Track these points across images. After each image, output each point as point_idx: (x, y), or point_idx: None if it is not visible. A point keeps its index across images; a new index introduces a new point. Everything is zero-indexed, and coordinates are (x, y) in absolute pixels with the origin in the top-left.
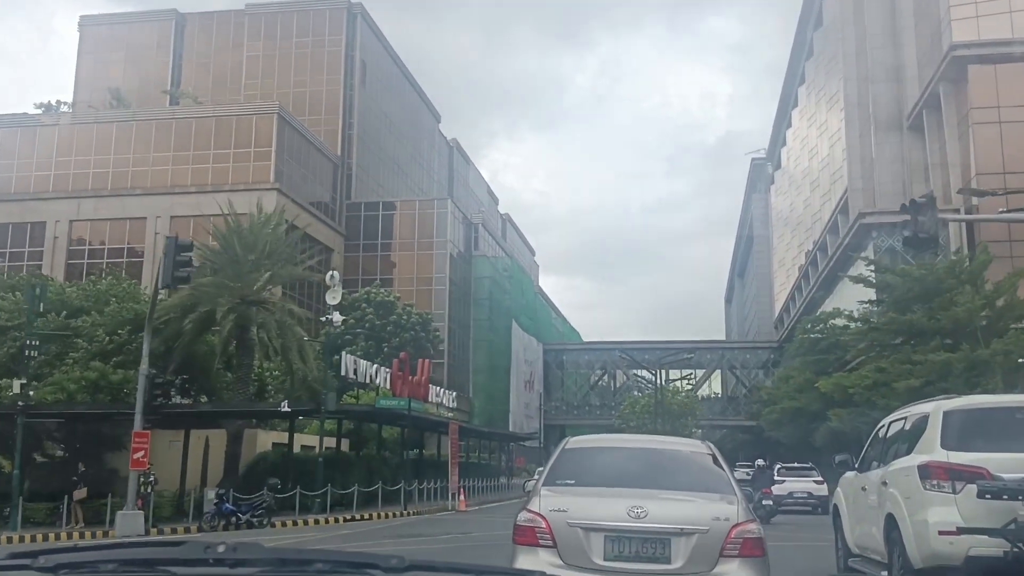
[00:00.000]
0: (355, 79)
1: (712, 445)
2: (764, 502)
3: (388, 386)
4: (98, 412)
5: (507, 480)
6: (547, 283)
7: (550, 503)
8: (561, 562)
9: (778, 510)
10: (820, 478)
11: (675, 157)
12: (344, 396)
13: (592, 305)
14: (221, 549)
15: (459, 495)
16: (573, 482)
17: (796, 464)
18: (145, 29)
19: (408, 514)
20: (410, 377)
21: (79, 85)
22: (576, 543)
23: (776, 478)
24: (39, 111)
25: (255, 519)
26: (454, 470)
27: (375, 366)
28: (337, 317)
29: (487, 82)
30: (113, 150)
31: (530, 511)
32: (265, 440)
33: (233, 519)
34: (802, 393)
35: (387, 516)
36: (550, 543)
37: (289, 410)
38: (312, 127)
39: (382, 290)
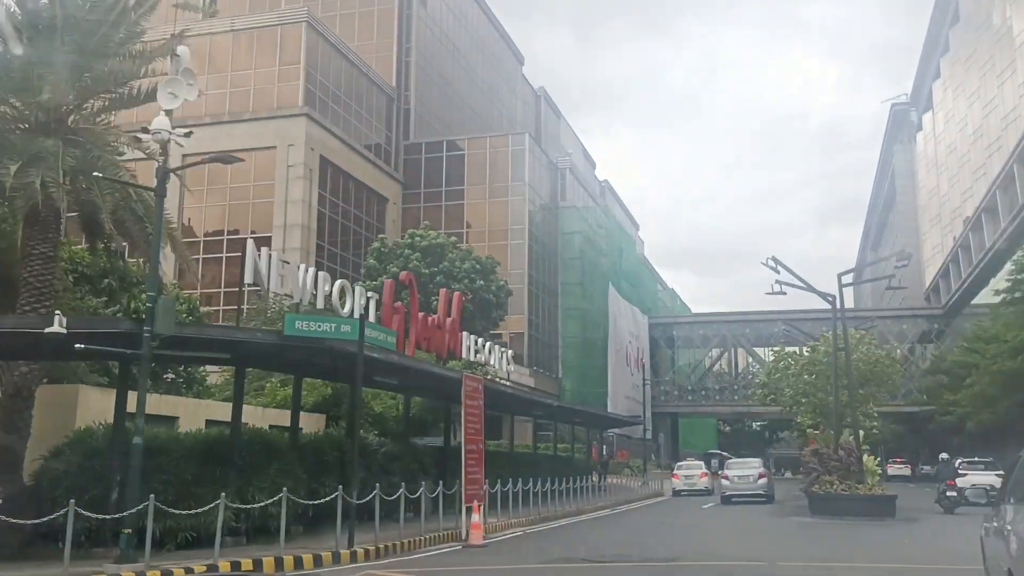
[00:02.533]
0: None
1: None
2: (948, 494)
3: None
4: None
5: (600, 479)
6: None
7: None
8: None
9: (962, 501)
10: (1002, 471)
11: (778, 147)
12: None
13: (697, 300)
14: None
15: (473, 513)
16: None
17: (976, 458)
18: None
19: (347, 557)
20: (423, 316)
21: None
22: None
23: (959, 472)
24: None
25: None
26: (470, 465)
27: (338, 282)
28: (161, 125)
29: (581, 79)
30: None
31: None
32: (106, 405)
33: None
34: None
35: (284, 566)
36: None
37: (63, 331)
38: (363, 55)
39: (430, 232)
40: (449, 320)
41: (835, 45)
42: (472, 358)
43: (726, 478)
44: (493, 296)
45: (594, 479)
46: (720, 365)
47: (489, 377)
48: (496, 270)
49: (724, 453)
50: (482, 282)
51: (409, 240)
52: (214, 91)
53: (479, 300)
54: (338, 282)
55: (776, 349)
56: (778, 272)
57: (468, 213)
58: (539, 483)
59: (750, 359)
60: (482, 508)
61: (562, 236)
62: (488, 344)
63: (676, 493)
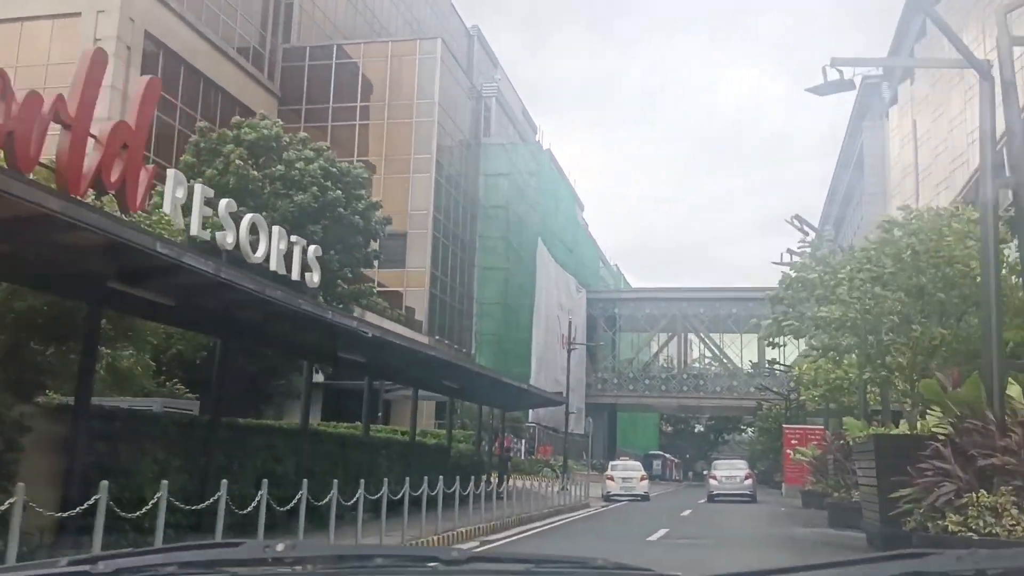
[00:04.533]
0: None
1: None
2: None
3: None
4: None
5: (502, 484)
6: None
7: None
8: None
9: None
10: None
11: (729, 155)
12: None
13: None
14: (280, 548)
15: None
16: None
17: None
18: None
19: None
20: None
21: None
22: None
23: None
24: None
25: None
26: None
27: None
28: None
29: (533, 81)
30: None
31: None
32: None
33: None
34: None
35: None
36: None
37: None
38: None
39: (264, 121)
40: (111, 126)
41: (784, 58)
42: (196, 233)
43: (714, 478)
44: (360, 219)
45: (493, 481)
46: (667, 354)
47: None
48: (365, 183)
49: (667, 455)
50: (339, 194)
51: (235, 133)
52: None
53: (337, 221)
54: None
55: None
56: None
57: (361, 137)
58: (367, 488)
59: (703, 346)
60: None
61: (484, 179)
62: (251, 217)
63: (608, 498)
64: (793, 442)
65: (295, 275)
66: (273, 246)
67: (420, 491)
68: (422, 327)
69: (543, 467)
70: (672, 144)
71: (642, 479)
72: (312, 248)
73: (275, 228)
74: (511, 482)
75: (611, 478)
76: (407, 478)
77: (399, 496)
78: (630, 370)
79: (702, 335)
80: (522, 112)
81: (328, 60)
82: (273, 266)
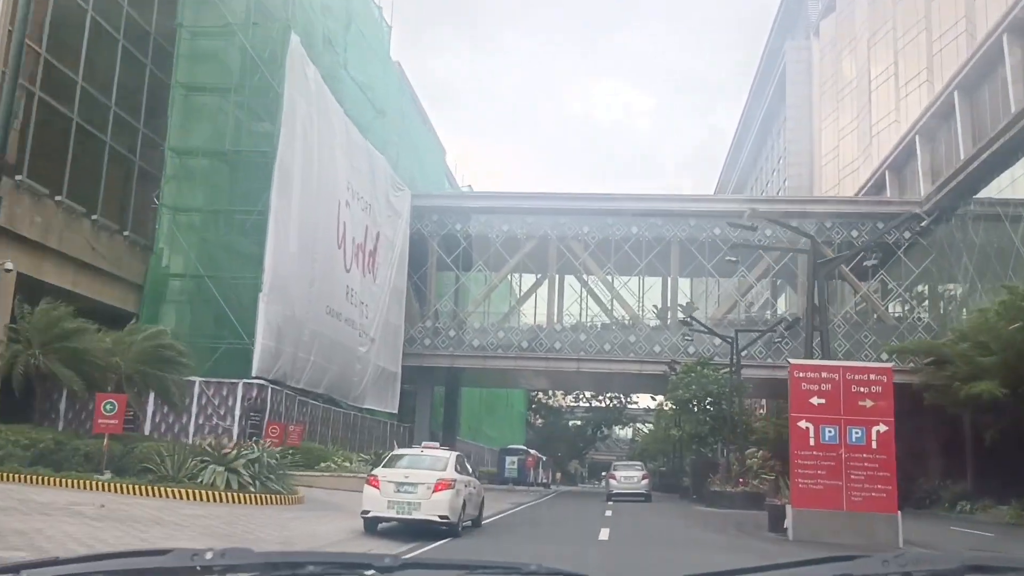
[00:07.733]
0: None
1: None
2: None
3: None
4: None
5: None
6: None
7: None
8: None
9: None
10: None
11: (598, 166)
12: None
13: None
14: (209, 556)
15: None
16: None
17: None
18: None
19: None
20: None
21: None
22: None
23: None
24: None
25: None
26: None
27: None
28: None
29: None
30: None
31: None
32: None
33: None
34: None
35: None
36: None
37: None
38: None
39: None
40: None
41: (645, 74)
42: None
43: (613, 478)
44: None
45: None
46: (534, 306)
47: None
48: None
49: (532, 451)
50: None
51: None
52: None
53: None
54: None
55: None
56: None
57: None
58: None
59: (585, 286)
60: None
61: None
62: None
63: (369, 525)
64: (815, 402)
65: None
66: None
67: None
68: None
69: (281, 466)
70: (549, 149)
71: (440, 487)
72: None
73: None
74: None
75: (375, 482)
76: None
77: None
78: (477, 318)
79: (584, 269)
80: None
81: None
82: None
